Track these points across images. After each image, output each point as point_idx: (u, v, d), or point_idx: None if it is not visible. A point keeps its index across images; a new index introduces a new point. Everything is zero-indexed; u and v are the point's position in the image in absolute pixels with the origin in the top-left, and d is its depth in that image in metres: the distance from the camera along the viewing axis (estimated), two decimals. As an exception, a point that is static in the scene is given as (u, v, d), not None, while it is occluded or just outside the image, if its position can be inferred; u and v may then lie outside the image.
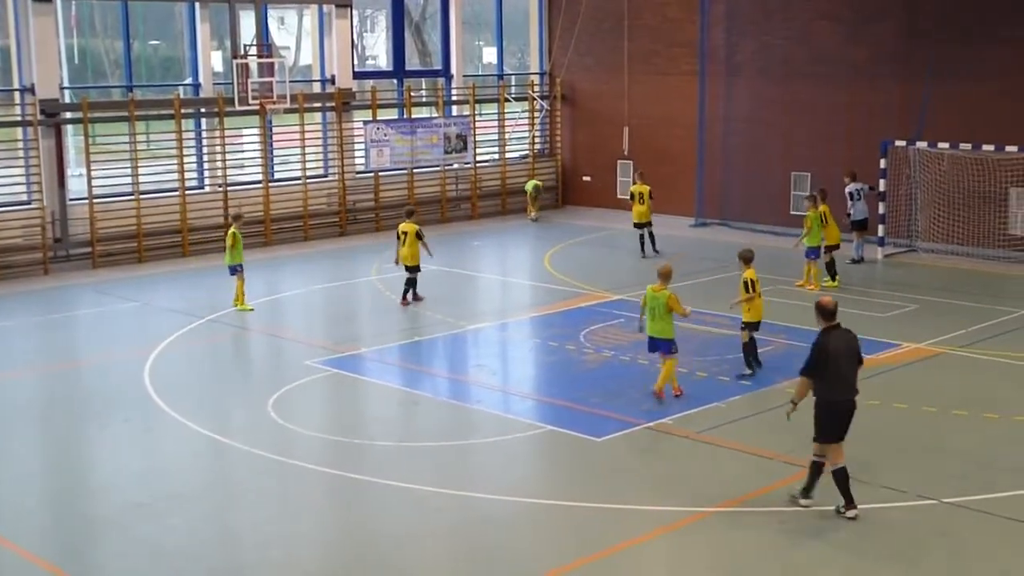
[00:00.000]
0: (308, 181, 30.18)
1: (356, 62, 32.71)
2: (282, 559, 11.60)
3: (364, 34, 36.95)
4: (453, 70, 33.77)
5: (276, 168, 30.40)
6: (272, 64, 28.60)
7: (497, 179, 34.37)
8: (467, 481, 13.67)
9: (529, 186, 33.08)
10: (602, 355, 18.67)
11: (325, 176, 31.14)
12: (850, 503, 12.18)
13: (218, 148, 28.71)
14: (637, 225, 27.50)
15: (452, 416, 16.19)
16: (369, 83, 32.52)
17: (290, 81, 29.40)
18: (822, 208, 23.42)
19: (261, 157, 29.63)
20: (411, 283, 22.49)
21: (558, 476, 14.04)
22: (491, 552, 11.71)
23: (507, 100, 34.56)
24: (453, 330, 20.58)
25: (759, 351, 17.55)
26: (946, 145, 26.25)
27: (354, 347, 19.56)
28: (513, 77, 36.04)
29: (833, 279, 23.45)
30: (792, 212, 30.04)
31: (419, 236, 22.40)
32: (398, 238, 22.60)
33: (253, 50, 28.74)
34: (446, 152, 32.55)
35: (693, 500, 12.78)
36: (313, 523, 12.55)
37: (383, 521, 12.58)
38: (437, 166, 32.68)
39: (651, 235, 27.40)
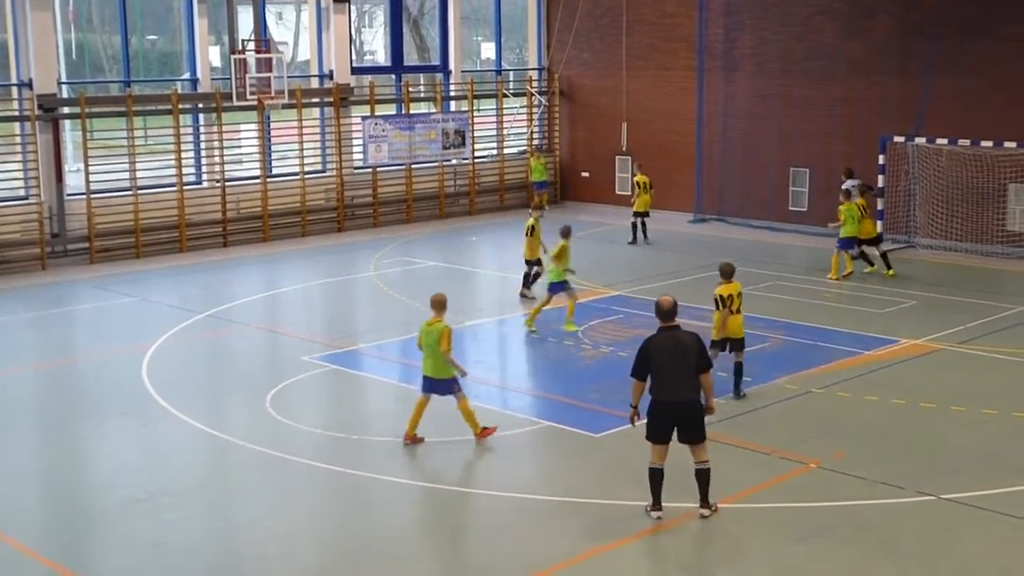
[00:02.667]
0: (306, 177, 30.16)
1: (354, 57, 32.68)
2: (280, 554, 11.59)
3: (362, 29, 36.92)
4: (451, 66, 33.74)
5: (274, 164, 30.37)
6: (270, 59, 28.56)
7: (495, 175, 34.34)
8: (465, 477, 13.67)
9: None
10: (600, 351, 18.66)
11: (323, 172, 31.12)
12: (655, 504, 12.10)
13: (216, 143, 28.69)
14: (638, 214, 28.08)
15: (450, 412, 16.13)
16: (367, 78, 32.48)
17: (288, 76, 29.36)
18: (859, 201, 23.55)
19: (259, 152, 29.59)
20: (533, 276, 22.49)
21: (556, 472, 14.02)
22: (489, 548, 11.70)
23: (505, 96, 34.53)
24: (451, 326, 20.48)
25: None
26: (945, 141, 26.25)
27: (352, 343, 19.54)
28: (511, 73, 36.02)
29: (889, 268, 23.82)
30: (791, 208, 30.06)
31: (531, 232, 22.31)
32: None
33: (251, 45, 28.69)
34: (444, 148, 32.53)
35: (690, 496, 12.73)
36: (311, 519, 12.53)
37: (381, 517, 12.57)
38: (435, 162, 32.65)
39: (644, 224, 28.28)
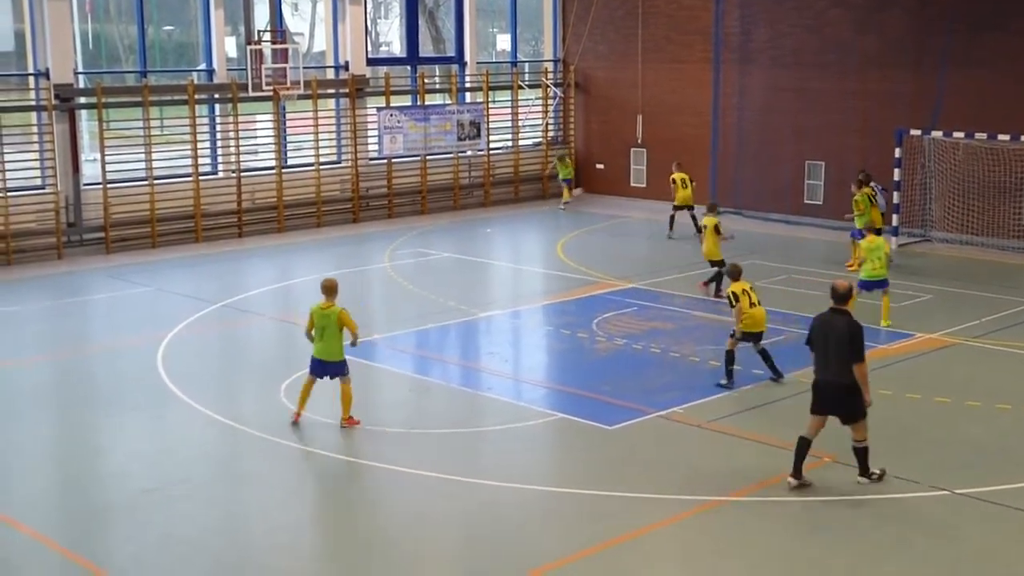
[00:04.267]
0: (321, 167, 30.18)
1: (370, 48, 32.67)
2: (290, 543, 11.63)
3: (378, 20, 36.89)
4: (467, 57, 33.71)
5: (289, 154, 30.41)
6: (286, 50, 28.58)
7: (510, 166, 34.32)
8: (477, 468, 13.67)
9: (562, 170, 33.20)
10: (614, 343, 18.65)
11: (338, 162, 31.15)
12: (796, 473, 12.65)
13: (231, 134, 28.73)
14: (677, 207, 28.11)
15: (463, 403, 16.19)
16: (383, 70, 32.48)
17: (304, 67, 29.37)
18: (866, 190, 23.52)
19: (274, 143, 29.63)
20: (717, 276, 21.62)
21: (569, 464, 14.03)
22: (501, 539, 11.71)
23: (520, 87, 34.49)
24: (465, 317, 20.57)
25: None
26: (961, 135, 26.12)
27: (366, 334, 19.51)
28: (527, 64, 35.96)
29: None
30: (806, 201, 29.97)
31: (716, 230, 21.70)
32: (700, 232, 22.36)
33: (267, 36, 28.72)
34: (459, 139, 32.52)
35: (703, 489, 12.76)
36: (322, 508, 12.58)
37: (392, 506, 12.59)
38: (450, 153, 32.65)
39: (692, 217, 27.74)
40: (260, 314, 21.09)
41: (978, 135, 25.74)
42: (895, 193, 26.49)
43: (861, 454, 12.71)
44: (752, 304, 16.36)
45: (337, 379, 14.90)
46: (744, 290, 16.40)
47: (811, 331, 12.93)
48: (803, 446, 12.64)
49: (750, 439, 14.26)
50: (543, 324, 20.28)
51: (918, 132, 26.71)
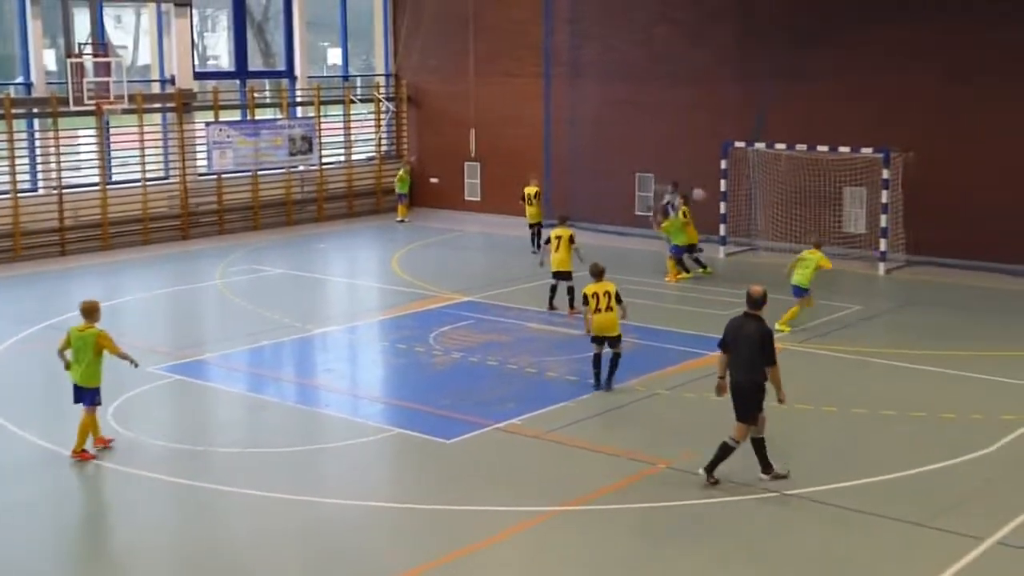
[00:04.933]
0: (148, 183, 29.41)
1: (197, 62, 32.02)
2: (123, 572, 11.22)
3: (205, 34, 36.17)
4: (297, 71, 33.33)
5: (114, 170, 29.55)
6: (109, 63, 27.72)
7: (343, 181, 34.04)
8: (316, 486, 13.45)
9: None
10: (451, 357, 18.62)
11: (166, 178, 30.39)
12: (766, 467, 13.14)
13: (52, 149, 27.76)
14: (532, 225, 28.06)
15: (300, 421, 15.93)
16: (211, 84, 31.86)
17: (128, 81, 28.53)
18: (683, 210, 24.41)
19: (98, 159, 28.74)
20: (554, 289, 21.57)
21: (408, 479, 13.92)
22: (341, 557, 11.53)
23: (352, 102, 34.27)
24: (300, 334, 20.26)
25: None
26: (783, 146, 26.99)
27: (198, 353, 19.10)
28: (359, 79, 35.75)
29: (705, 267, 25.09)
30: (637, 213, 30.51)
31: (571, 241, 21.44)
32: (548, 242, 21.66)
33: (88, 49, 27.83)
34: (291, 154, 32.11)
35: (544, 499, 12.81)
36: (156, 534, 12.16)
37: (229, 529, 12.29)
38: (281, 168, 32.20)
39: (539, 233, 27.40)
40: (86, 335, 20.35)
41: (799, 146, 26.63)
42: (722, 203, 27.19)
43: (726, 452, 13.02)
44: (598, 309, 16.45)
45: (88, 407, 14.10)
46: (595, 293, 16.54)
47: (725, 334, 13.18)
48: (760, 445, 13.11)
49: (589, 448, 14.39)
50: (379, 339, 20.13)
51: (742, 144, 27.49)
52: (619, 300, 16.68)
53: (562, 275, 21.46)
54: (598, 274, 16.88)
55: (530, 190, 28.21)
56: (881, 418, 15.49)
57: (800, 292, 20.27)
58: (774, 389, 12.94)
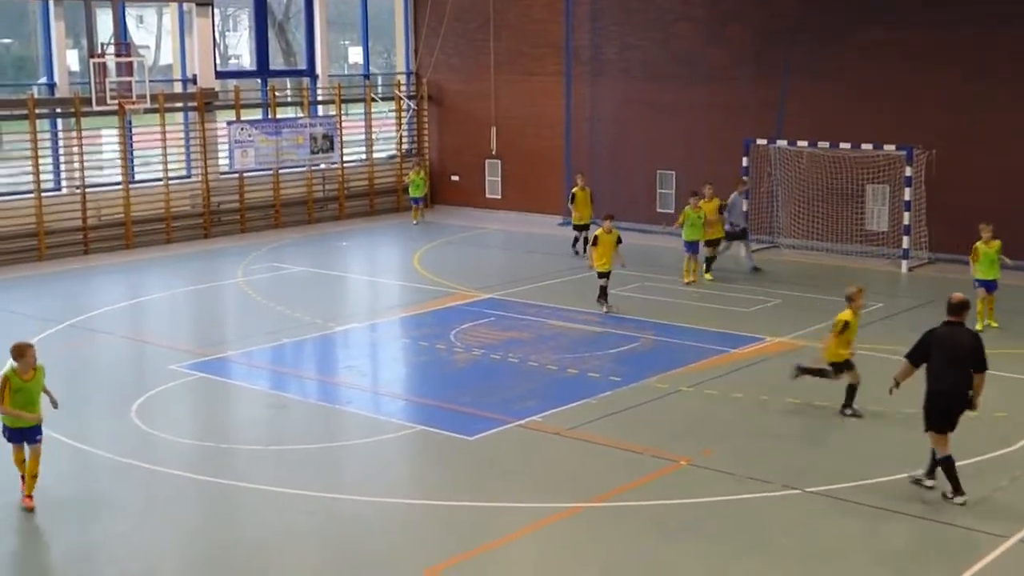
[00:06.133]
0: (170, 182, 29.55)
1: (218, 61, 32.15)
2: (147, 570, 11.28)
3: (226, 33, 36.35)
4: (318, 70, 33.41)
5: (137, 169, 29.69)
6: (131, 63, 27.88)
7: (365, 179, 34.12)
8: (338, 483, 13.51)
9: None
10: (472, 354, 18.65)
11: (188, 177, 30.52)
12: (957, 490, 12.47)
13: (75, 149, 27.92)
14: (577, 227, 27.13)
15: (322, 418, 16.00)
16: (232, 83, 31.97)
17: (150, 81, 28.67)
18: (703, 206, 24.13)
19: (121, 158, 28.89)
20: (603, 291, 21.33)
21: (430, 476, 13.95)
22: (362, 554, 11.58)
23: (374, 100, 34.33)
24: (322, 331, 20.34)
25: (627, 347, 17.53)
26: (805, 143, 26.91)
27: (220, 350, 19.20)
28: (379, 77, 35.83)
29: (707, 271, 24.41)
30: (658, 210, 30.49)
31: (619, 241, 21.35)
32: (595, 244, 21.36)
33: (111, 49, 27.99)
34: (312, 152, 32.20)
35: (565, 496, 12.83)
36: (178, 531, 12.24)
37: (251, 526, 12.35)
38: (303, 166, 32.30)
39: (585, 239, 25.90)
40: (109, 333, 20.51)
41: (820, 144, 26.55)
42: (743, 201, 27.14)
43: (951, 466, 12.52)
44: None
45: (27, 444, 12.74)
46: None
47: (924, 345, 12.70)
48: (950, 464, 12.53)
49: (608, 445, 14.40)
50: (401, 336, 20.18)
51: (764, 141, 27.43)
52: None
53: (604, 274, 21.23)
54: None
55: (577, 190, 27.15)
56: (904, 416, 15.42)
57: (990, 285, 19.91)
58: (974, 395, 12.54)
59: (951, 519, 12.02)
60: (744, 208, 25.87)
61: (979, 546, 11.41)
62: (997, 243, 19.84)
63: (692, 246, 23.95)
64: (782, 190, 27.86)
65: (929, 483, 12.67)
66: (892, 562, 11.19)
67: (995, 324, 19.79)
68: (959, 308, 12.71)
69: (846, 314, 15.45)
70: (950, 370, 12.41)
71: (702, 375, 17.33)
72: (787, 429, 15.07)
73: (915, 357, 12.72)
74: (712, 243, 24.56)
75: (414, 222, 32.01)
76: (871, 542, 11.64)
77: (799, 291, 23.15)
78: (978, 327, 18.55)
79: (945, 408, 12.43)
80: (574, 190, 27.21)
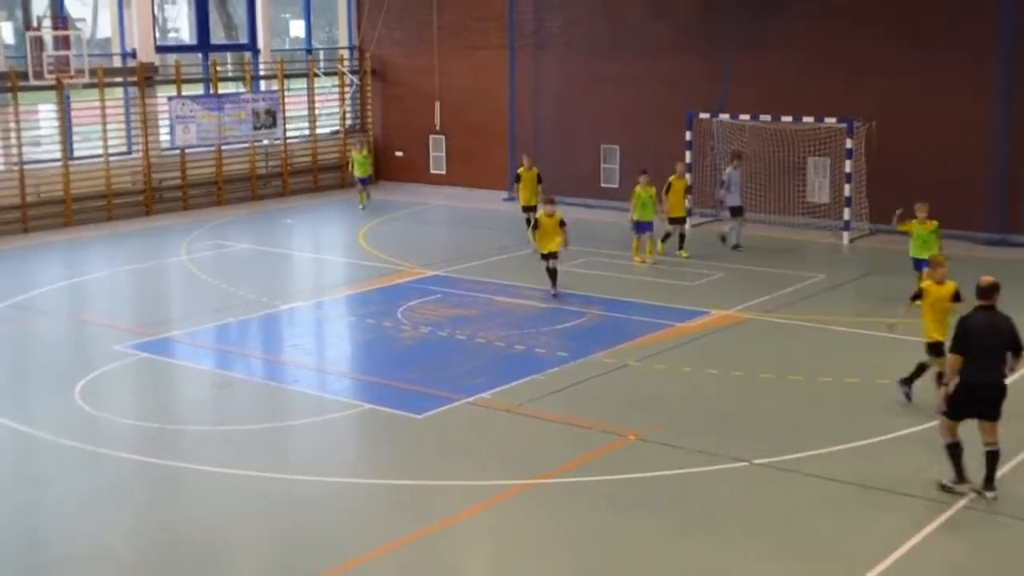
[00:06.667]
0: (111, 159, 29.15)
1: (158, 35, 31.69)
2: (92, 553, 11.17)
3: (165, 6, 35.82)
4: (260, 44, 33.06)
5: (76, 145, 29.25)
6: (68, 37, 27.41)
7: (308, 156, 33.85)
8: (286, 463, 13.45)
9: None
10: (419, 331, 18.62)
11: (129, 153, 30.12)
12: (959, 478, 12.07)
13: (12, 125, 27.44)
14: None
15: (268, 398, 15.90)
16: (172, 57, 31.56)
17: (88, 55, 28.21)
18: (673, 182, 23.70)
19: (59, 134, 28.44)
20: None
21: (380, 455, 13.92)
22: (311, 534, 11.54)
23: (316, 75, 34.04)
24: (267, 310, 20.20)
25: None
26: (747, 117, 27.06)
27: (165, 330, 19.01)
28: (322, 52, 35.51)
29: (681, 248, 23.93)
30: (602, 184, 30.55)
31: (562, 224, 20.51)
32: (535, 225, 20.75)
33: (47, 22, 27.49)
34: (255, 128, 31.88)
35: (515, 472, 12.87)
36: (125, 513, 12.12)
37: (199, 508, 12.26)
38: (246, 143, 31.98)
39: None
40: (50, 313, 20.24)
41: (763, 117, 26.71)
42: (688, 175, 27.25)
43: (995, 458, 12.01)
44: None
45: None
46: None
47: (966, 334, 11.88)
48: (957, 451, 12.11)
49: (557, 421, 14.45)
50: (347, 314, 20.10)
51: (706, 115, 27.55)
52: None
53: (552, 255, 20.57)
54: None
55: (522, 171, 25.65)
56: (847, 386, 15.64)
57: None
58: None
59: (899, 487, 12.19)
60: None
61: (927, 512, 11.57)
62: (934, 223, 19.00)
63: (643, 226, 23.21)
64: (724, 164, 27.97)
65: (990, 495, 11.95)
66: (839, 531, 11.34)
67: None
68: (990, 291, 12.10)
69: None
70: (988, 360, 11.91)
71: (649, 349, 17.42)
72: (734, 402, 15.20)
73: (961, 347, 11.95)
74: (678, 221, 23.98)
75: (360, 207, 30.41)
76: (818, 513, 11.78)
77: (742, 264, 23.31)
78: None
79: (978, 399, 11.97)
80: (519, 171, 26.16)
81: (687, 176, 24.83)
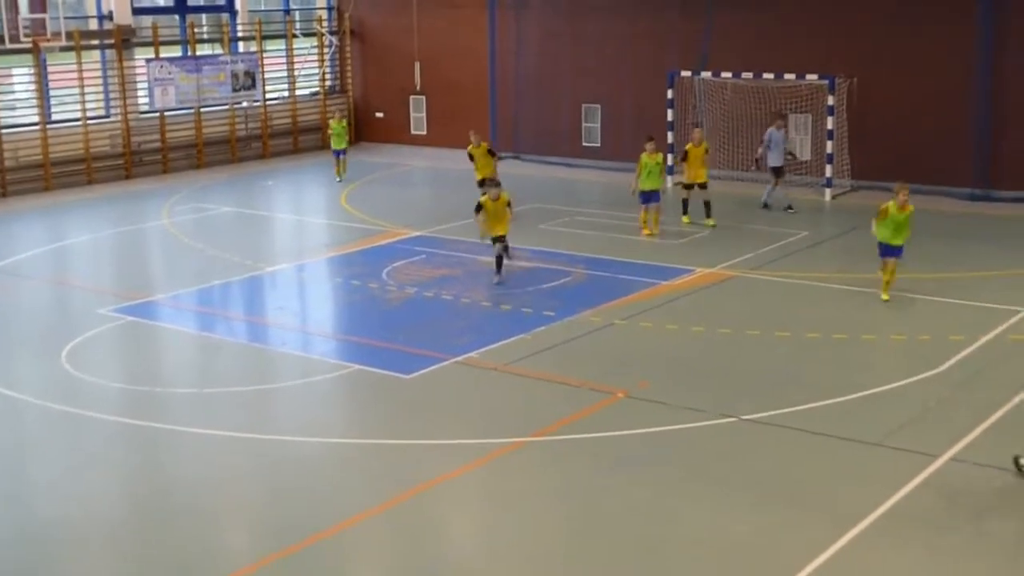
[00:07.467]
0: (89, 123, 28.91)
1: (134, -3, 31.37)
2: (82, 514, 11.18)
3: (141, -32, 35.38)
4: (237, 5, 32.76)
5: (53, 109, 29.00)
6: (43, -1, 27.11)
7: (288, 117, 33.65)
8: (273, 425, 13.46)
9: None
10: (406, 292, 18.60)
11: (107, 117, 29.88)
12: None
13: (-11, 89, 27.20)
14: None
15: (255, 360, 15.88)
16: (149, 19, 31.25)
17: (65, 17, 27.90)
18: (690, 150, 22.90)
19: (36, 98, 28.18)
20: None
21: (369, 415, 13.95)
22: (300, 494, 11.55)
23: (295, 36, 33.78)
24: (251, 272, 20.14)
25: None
26: (729, 75, 27.01)
27: (149, 294, 18.94)
28: (299, 12, 35.23)
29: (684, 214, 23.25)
30: (584, 144, 30.49)
31: (508, 205, 19.25)
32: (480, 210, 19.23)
33: (22, -16, 27.17)
34: (234, 90, 31.65)
35: (504, 431, 12.91)
36: (113, 475, 12.13)
37: (186, 469, 12.25)
38: (225, 105, 31.75)
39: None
40: (34, 278, 20.13)
41: (744, 74, 26.67)
42: (669, 134, 27.24)
43: None
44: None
45: None
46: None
47: None
48: None
49: (546, 380, 14.48)
50: (332, 276, 20.07)
51: (688, 73, 27.48)
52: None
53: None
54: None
55: (471, 148, 24.59)
56: (832, 342, 15.72)
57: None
58: None
59: (885, 441, 12.29)
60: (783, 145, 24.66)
61: (913, 466, 11.68)
62: (911, 208, 17.44)
63: (649, 196, 21.98)
64: (707, 121, 27.95)
65: None
66: (827, 485, 11.44)
67: (887, 298, 17.54)
68: None
69: None
70: None
71: (635, 308, 17.46)
72: (721, 359, 15.27)
73: None
74: (703, 186, 22.99)
75: (337, 179, 29.14)
76: (805, 467, 11.87)
77: (726, 221, 23.32)
78: (883, 297, 17.48)
79: None
80: (469, 149, 24.58)
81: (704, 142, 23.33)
